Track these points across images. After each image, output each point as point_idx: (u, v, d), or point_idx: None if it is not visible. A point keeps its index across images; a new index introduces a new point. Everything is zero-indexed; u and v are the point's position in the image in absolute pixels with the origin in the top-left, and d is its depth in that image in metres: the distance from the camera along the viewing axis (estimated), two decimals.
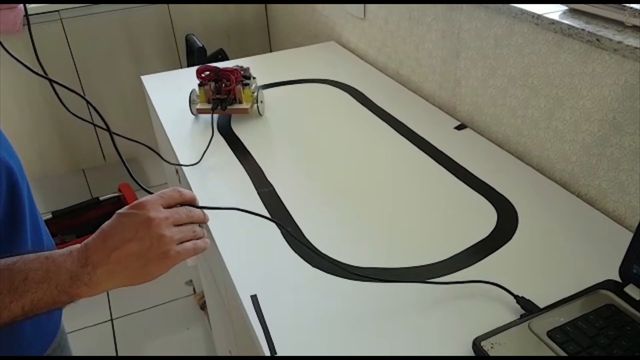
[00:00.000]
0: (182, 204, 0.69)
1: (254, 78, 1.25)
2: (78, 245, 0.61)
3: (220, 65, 1.27)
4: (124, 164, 0.76)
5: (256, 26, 2.38)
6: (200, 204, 0.72)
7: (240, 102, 1.21)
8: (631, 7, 0.82)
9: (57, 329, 0.85)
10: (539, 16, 0.91)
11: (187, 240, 0.66)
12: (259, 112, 1.24)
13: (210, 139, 1.13)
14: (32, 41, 0.75)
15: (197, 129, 1.20)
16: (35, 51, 0.74)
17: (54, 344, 0.83)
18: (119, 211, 0.64)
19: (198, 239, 0.68)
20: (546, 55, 0.94)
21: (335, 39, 1.73)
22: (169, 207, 0.67)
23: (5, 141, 0.72)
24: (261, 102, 1.25)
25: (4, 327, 0.56)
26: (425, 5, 1.23)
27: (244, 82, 1.21)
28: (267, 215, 0.91)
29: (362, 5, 1.50)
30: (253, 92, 1.22)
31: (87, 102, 0.78)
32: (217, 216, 0.91)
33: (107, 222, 0.63)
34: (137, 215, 0.63)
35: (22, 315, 0.57)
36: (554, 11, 0.91)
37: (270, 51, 2.43)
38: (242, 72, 1.22)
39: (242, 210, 0.75)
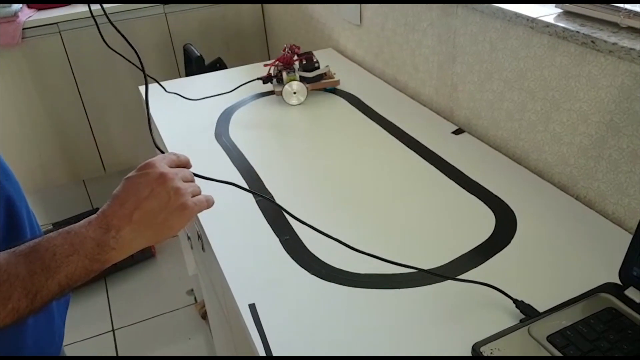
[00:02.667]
0: (180, 166, 0.70)
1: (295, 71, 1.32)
2: (94, 215, 0.62)
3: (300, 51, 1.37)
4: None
5: (254, 34, 2.39)
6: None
7: (281, 85, 1.33)
8: (625, 9, 0.82)
9: (58, 352, 0.84)
10: (534, 19, 0.91)
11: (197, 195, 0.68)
12: (282, 97, 1.32)
13: (227, 92, 1.36)
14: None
15: (195, 139, 1.20)
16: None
17: None
18: (128, 175, 0.65)
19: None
20: (542, 59, 0.94)
21: (333, 45, 1.73)
22: (171, 167, 0.68)
23: (3, 164, 0.72)
24: (294, 93, 1.31)
25: (45, 306, 0.57)
26: (420, 11, 1.23)
27: (290, 69, 1.31)
28: (264, 196, 0.90)
29: (359, 12, 1.50)
30: (290, 80, 1.30)
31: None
32: (216, 224, 0.91)
33: (117, 188, 0.64)
34: (149, 174, 0.64)
35: (59, 292, 0.58)
36: (548, 14, 0.91)
37: (269, 58, 2.44)
38: (297, 60, 1.32)
39: (237, 186, 0.76)
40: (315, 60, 1.34)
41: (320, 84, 1.35)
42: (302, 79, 1.32)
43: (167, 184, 0.64)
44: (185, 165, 0.71)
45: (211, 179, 0.74)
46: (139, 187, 0.63)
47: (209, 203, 0.69)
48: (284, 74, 1.31)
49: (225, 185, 0.75)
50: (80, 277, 0.59)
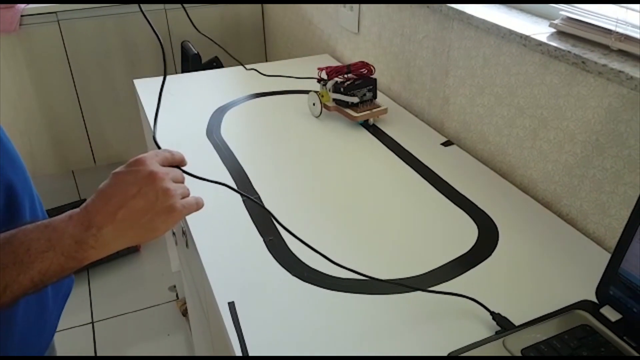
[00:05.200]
0: (174, 164, 0.68)
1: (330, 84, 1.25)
2: (77, 210, 0.59)
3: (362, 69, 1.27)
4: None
5: (253, 36, 2.40)
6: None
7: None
8: (617, 32, 0.83)
9: (47, 346, 0.82)
10: (527, 37, 0.92)
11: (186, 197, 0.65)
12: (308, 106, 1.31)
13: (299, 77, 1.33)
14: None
15: (186, 135, 1.20)
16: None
17: None
18: (116, 171, 0.62)
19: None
20: (532, 76, 0.95)
21: (330, 52, 1.74)
22: (163, 166, 0.65)
23: (9, 151, 0.70)
24: (314, 104, 1.27)
25: (16, 301, 0.55)
26: (417, 23, 1.24)
27: (326, 82, 1.25)
28: (259, 204, 0.91)
29: (357, 20, 1.51)
30: (322, 93, 1.26)
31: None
32: (201, 221, 0.91)
33: (104, 183, 0.61)
34: (138, 171, 0.61)
35: (32, 287, 0.55)
36: (541, 33, 0.92)
37: (266, 60, 2.44)
38: (341, 76, 1.24)
39: (230, 188, 0.74)
40: (347, 85, 1.20)
41: (340, 109, 1.24)
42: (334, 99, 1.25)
43: (156, 184, 0.61)
44: (180, 163, 0.69)
45: (203, 179, 0.72)
46: (126, 185, 0.60)
47: (198, 206, 0.66)
48: (323, 83, 1.26)
49: (213, 183, 0.75)
50: (56, 274, 0.56)
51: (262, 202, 0.96)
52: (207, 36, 1.70)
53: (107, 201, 0.59)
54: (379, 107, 1.23)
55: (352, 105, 1.22)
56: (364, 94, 1.23)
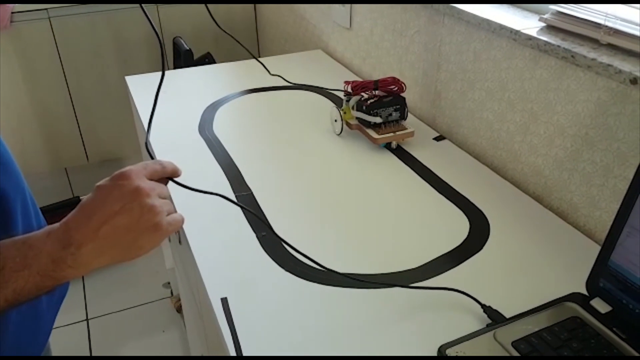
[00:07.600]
0: (164, 176, 0.66)
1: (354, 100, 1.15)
2: (57, 225, 0.56)
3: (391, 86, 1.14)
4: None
5: (245, 32, 2.39)
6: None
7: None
8: (607, 26, 0.83)
9: (41, 349, 0.81)
10: (517, 32, 0.92)
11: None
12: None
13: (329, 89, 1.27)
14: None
15: (178, 131, 1.20)
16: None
17: None
18: (100, 184, 0.59)
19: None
20: (523, 71, 0.95)
21: (322, 47, 1.75)
22: (151, 180, 0.62)
23: (0, 155, 0.68)
24: (335, 120, 1.18)
25: None
26: (409, 19, 1.24)
27: (350, 97, 1.15)
28: (248, 209, 0.91)
29: (349, 15, 1.51)
30: (344, 109, 1.17)
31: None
32: (191, 218, 0.91)
33: (87, 197, 0.58)
34: (123, 186, 0.58)
35: (6, 306, 0.53)
36: (531, 27, 0.93)
37: (259, 57, 2.44)
38: (368, 92, 1.14)
39: (226, 198, 0.73)
40: (371, 103, 1.09)
41: (362, 129, 1.13)
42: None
43: (141, 200, 0.57)
44: (172, 175, 0.66)
45: (198, 190, 0.70)
46: (110, 200, 0.57)
47: (182, 222, 0.63)
48: (347, 99, 1.16)
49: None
50: (31, 293, 0.54)
51: (255, 198, 0.97)
52: (229, 33, 1.67)
53: (88, 217, 0.56)
54: (405, 129, 1.11)
55: (375, 126, 1.11)
56: (390, 114, 1.10)
